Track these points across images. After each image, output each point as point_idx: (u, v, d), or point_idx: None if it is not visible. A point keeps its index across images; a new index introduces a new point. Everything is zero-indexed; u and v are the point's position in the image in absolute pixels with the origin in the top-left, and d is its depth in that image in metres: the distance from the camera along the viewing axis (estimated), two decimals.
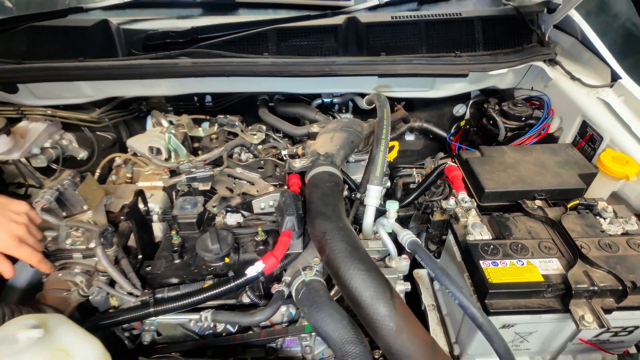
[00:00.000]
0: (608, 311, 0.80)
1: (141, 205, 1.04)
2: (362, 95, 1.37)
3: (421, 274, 1.19)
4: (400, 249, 0.92)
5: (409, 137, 1.68)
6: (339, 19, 1.31)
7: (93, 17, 1.32)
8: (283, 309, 0.96)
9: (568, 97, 1.29)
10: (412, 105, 1.57)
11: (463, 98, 1.54)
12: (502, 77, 1.39)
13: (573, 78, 1.32)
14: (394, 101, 1.52)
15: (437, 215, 1.07)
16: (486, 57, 1.27)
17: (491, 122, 1.38)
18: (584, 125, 1.23)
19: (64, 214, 1.05)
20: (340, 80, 1.26)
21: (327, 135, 1.13)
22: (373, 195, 0.95)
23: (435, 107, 1.63)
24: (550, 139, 1.31)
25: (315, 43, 1.32)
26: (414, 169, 1.47)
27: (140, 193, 1.01)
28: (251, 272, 0.83)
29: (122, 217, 1.08)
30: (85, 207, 1.06)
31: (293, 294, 0.88)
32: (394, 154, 1.30)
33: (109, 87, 1.28)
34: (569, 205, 1.00)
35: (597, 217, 0.96)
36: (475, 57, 1.26)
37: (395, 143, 1.30)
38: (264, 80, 1.25)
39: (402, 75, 1.19)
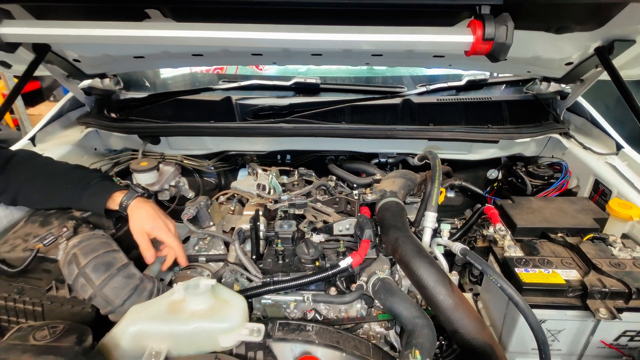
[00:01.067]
0: (619, 311, 1.03)
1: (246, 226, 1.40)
2: (413, 155, 1.76)
3: None
4: (451, 266, 1.22)
5: (450, 194, 2.01)
6: (397, 100, 1.76)
7: (219, 94, 1.84)
8: (358, 306, 1.24)
9: (582, 162, 1.61)
10: (453, 167, 1.93)
11: (495, 164, 1.89)
12: (526, 145, 1.75)
13: (585, 148, 1.66)
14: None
15: (480, 242, 1.36)
16: (512, 129, 1.65)
17: (519, 180, 1.71)
18: (597, 183, 1.53)
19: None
20: (397, 142, 1.66)
21: (390, 179, 1.50)
22: (430, 219, 1.28)
23: (472, 170, 1.98)
24: (569, 193, 1.61)
25: (379, 116, 1.76)
26: (456, 220, 1.78)
27: (257, 213, 1.38)
28: (343, 264, 1.15)
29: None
30: (211, 223, 1.44)
31: (370, 288, 1.17)
32: (441, 198, 1.63)
33: (225, 142, 1.74)
34: (585, 238, 1.27)
35: (609, 246, 1.22)
36: (503, 129, 1.64)
37: (443, 189, 1.63)
38: (340, 140, 1.67)
39: (446, 139, 1.58)
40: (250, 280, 1.21)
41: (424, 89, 1.84)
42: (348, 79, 2.08)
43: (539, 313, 1.07)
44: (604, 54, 1.36)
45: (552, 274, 1.10)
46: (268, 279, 1.16)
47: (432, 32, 0.94)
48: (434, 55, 1.49)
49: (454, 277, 1.24)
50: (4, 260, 1.14)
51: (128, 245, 1.21)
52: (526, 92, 1.87)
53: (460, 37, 0.92)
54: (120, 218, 1.31)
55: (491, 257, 1.26)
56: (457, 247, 1.14)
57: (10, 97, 1.49)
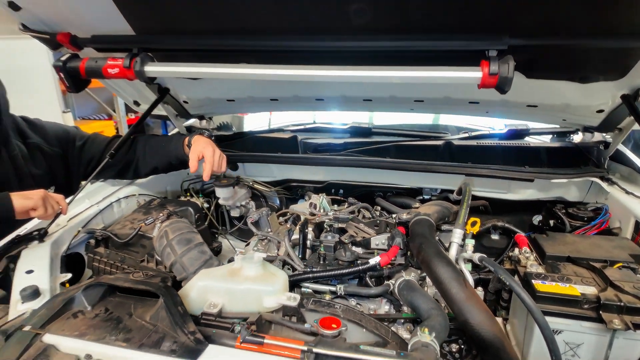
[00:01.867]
0: (637, 326, 1.06)
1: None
2: (452, 192, 1.92)
3: None
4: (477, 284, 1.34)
5: (494, 236, 2.08)
6: (439, 142, 1.98)
7: (288, 134, 2.23)
8: (386, 307, 1.38)
9: (624, 205, 1.64)
10: (494, 208, 2.03)
11: (538, 208, 1.96)
12: (567, 189, 1.82)
13: (627, 192, 1.69)
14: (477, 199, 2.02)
15: (507, 264, 1.45)
16: (549, 169, 1.76)
17: (559, 220, 1.76)
18: (637, 224, 1.55)
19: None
20: (436, 177, 1.85)
21: (426, 206, 1.68)
22: (457, 235, 1.42)
23: (516, 214, 2.05)
24: (610, 233, 1.63)
25: (421, 155, 1.98)
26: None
27: (306, 221, 1.64)
28: (372, 261, 1.33)
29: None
30: (269, 230, 1.72)
31: (396, 288, 1.32)
32: (477, 228, 1.74)
33: (288, 170, 2.08)
34: (614, 267, 1.30)
35: (637, 275, 1.25)
36: (539, 169, 1.76)
37: (477, 219, 1.75)
38: (385, 172, 1.91)
39: (482, 175, 1.74)
40: (294, 270, 1.43)
41: (465, 135, 2.04)
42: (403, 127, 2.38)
43: (553, 321, 1.13)
44: (630, 101, 1.48)
45: (568, 287, 1.17)
46: (308, 269, 1.38)
47: (452, 70, 1.20)
48: (470, 101, 1.73)
49: (479, 291, 1.34)
50: (115, 235, 1.52)
51: None
52: (568, 140, 1.98)
53: (472, 73, 1.17)
54: (199, 218, 1.68)
55: (515, 277, 1.34)
56: (477, 255, 1.27)
57: (135, 126, 2.00)
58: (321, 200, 1.85)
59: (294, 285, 1.38)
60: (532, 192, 1.83)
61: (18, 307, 1.15)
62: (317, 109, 2.25)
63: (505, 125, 2.12)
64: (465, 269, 1.35)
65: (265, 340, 0.96)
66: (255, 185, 2.12)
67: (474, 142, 1.96)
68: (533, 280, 1.21)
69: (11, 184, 1.63)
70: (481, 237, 2.06)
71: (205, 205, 1.98)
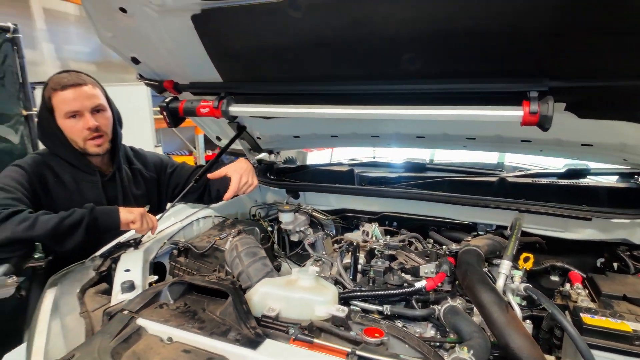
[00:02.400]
0: None
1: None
2: (507, 228, 1.94)
3: None
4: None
5: (554, 277, 2.02)
6: (492, 179, 2.03)
7: (345, 168, 2.42)
8: (432, 332, 1.44)
9: None
10: (552, 247, 1.99)
11: (599, 249, 1.89)
12: (631, 230, 1.75)
13: None
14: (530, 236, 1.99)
15: (558, 299, 1.44)
16: (608, 209, 1.73)
17: (622, 263, 1.69)
18: None
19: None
20: (489, 212, 1.89)
21: (478, 239, 1.73)
22: (505, 267, 1.45)
23: (578, 255, 1.98)
24: None
25: (473, 190, 2.04)
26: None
27: (357, 244, 1.77)
28: (418, 284, 1.42)
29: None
30: (324, 252, 1.88)
31: (441, 312, 1.39)
32: (530, 264, 1.73)
33: (344, 200, 2.25)
34: None
35: None
36: (598, 208, 1.73)
37: (530, 255, 1.74)
38: (437, 205, 1.99)
39: (535, 212, 1.76)
40: (344, 288, 1.56)
41: (521, 173, 2.07)
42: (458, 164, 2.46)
43: (599, 355, 1.11)
44: None
45: (620, 323, 1.15)
46: (356, 288, 1.50)
47: (494, 109, 1.32)
48: (522, 139, 1.79)
49: (528, 325, 1.36)
50: (194, 246, 1.78)
51: None
52: (633, 182, 1.92)
53: (513, 112, 1.28)
54: (263, 237, 1.90)
55: (566, 312, 1.33)
56: (522, 285, 1.30)
57: (216, 157, 2.33)
58: (373, 228, 1.98)
59: (343, 302, 1.50)
60: (591, 232, 1.79)
61: (118, 297, 1.41)
62: (373, 145, 2.43)
63: (564, 165, 2.11)
64: (513, 300, 1.37)
65: (315, 340, 1.10)
66: (313, 213, 2.31)
67: (529, 180, 1.97)
68: (581, 314, 1.21)
69: (118, 201, 2.00)
70: (539, 278, 2.01)
71: (269, 228, 2.20)
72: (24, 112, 2.77)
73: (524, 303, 1.49)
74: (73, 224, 1.56)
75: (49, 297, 1.48)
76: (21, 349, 1.33)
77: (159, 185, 2.24)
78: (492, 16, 1.19)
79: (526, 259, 1.76)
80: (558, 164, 2.40)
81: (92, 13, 1.58)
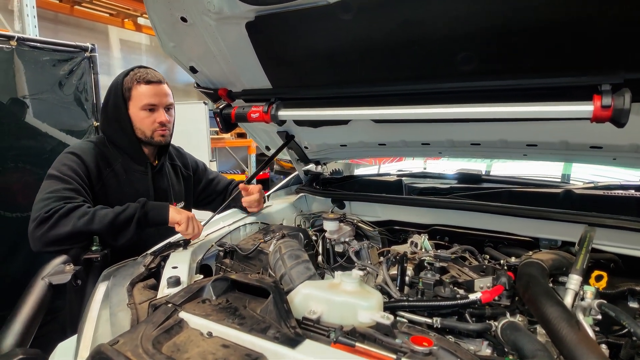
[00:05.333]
0: None
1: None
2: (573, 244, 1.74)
3: None
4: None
5: (632, 304, 1.76)
6: (557, 190, 1.85)
7: (393, 178, 2.35)
8: (487, 350, 1.29)
9: None
10: (636, 271, 1.74)
11: None
12: None
13: None
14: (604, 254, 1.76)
15: None
16: None
17: None
18: None
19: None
20: (554, 225, 1.71)
21: (541, 253, 1.57)
22: (573, 282, 1.29)
23: None
24: None
25: (535, 203, 1.87)
26: None
27: (405, 255, 1.68)
28: (472, 297, 1.30)
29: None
30: (369, 262, 1.80)
31: (499, 329, 1.25)
32: (603, 284, 1.53)
33: (391, 211, 2.16)
34: None
35: None
36: None
37: (604, 273, 1.53)
38: (493, 217, 1.85)
39: (609, 226, 1.57)
40: (390, 297, 1.47)
41: (590, 185, 1.87)
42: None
43: None
44: None
45: None
46: (404, 297, 1.40)
47: (560, 105, 1.21)
48: (591, 146, 1.62)
49: (604, 348, 1.18)
50: (240, 248, 1.79)
51: None
52: None
53: (582, 107, 1.16)
54: (307, 244, 1.87)
55: None
56: (595, 302, 1.14)
57: (264, 164, 2.37)
58: (423, 239, 1.87)
59: (389, 312, 1.41)
60: None
61: (164, 291, 1.43)
62: (423, 154, 2.34)
63: None
64: (585, 322, 1.20)
65: (357, 344, 1.03)
66: (359, 224, 2.25)
67: (600, 192, 1.77)
68: None
69: (166, 193, 2.14)
70: (615, 303, 1.76)
71: (314, 237, 2.16)
72: (95, 124, 3.03)
73: (597, 329, 1.30)
74: (127, 218, 1.64)
75: (101, 288, 1.54)
76: (75, 338, 1.39)
77: (193, 185, 2.35)
78: (556, 5, 1.11)
79: (599, 277, 1.56)
80: (634, 177, 2.13)
81: (157, 23, 1.69)
